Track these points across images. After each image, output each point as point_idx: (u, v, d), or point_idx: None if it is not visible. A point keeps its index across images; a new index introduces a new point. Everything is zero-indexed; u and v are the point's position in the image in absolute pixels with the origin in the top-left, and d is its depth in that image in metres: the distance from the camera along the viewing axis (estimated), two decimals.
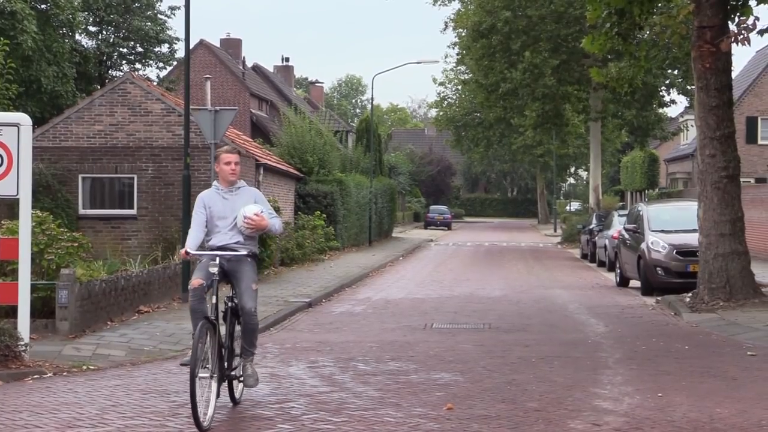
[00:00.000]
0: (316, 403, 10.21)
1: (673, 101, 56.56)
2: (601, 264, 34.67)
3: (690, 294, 20.53)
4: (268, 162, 32.95)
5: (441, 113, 79.46)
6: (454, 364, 13.00)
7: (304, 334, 16.78)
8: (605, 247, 33.29)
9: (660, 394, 10.58)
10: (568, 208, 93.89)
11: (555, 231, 71.12)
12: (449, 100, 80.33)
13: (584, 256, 41.11)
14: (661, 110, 55.47)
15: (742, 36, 19.18)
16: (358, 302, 22.55)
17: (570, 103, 50.63)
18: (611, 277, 29.16)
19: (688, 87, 46.95)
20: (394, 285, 27.69)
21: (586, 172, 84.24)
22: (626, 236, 26.18)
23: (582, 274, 32.29)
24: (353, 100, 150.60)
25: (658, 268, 23.59)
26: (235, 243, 9.98)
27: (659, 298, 21.90)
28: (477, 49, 49.95)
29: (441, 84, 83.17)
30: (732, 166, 20.01)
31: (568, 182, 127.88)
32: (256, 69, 77.26)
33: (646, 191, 65.90)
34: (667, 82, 50.17)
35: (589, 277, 30.85)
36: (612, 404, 10.14)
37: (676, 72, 48.13)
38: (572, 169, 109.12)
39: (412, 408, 9.94)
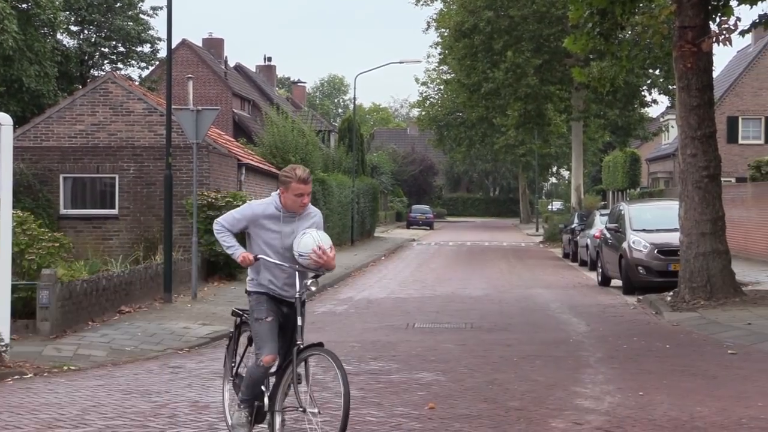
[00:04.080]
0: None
1: (654, 101, 56.68)
2: (583, 263, 34.73)
3: (671, 293, 20.60)
4: (251, 162, 32.91)
5: (423, 113, 79.48)
6: (436, 364, 13.01)
7: None
8: (587, 246, 33.35)
9: (641, 393, 10.62)
10: (550, 207, 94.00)
11: (537, 230, 71.21)
12: (431, 99, 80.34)
13: (566, 256, 41.18)
14: (642, 110, 55.59)
15: (723, 36, 19.23)
16: (340, 302, 22.55)
17: (552, 102, 50.71)
18: (593, 277, 29.22)
19: (670, 87, 47.06)
20: (376, 285, 27.70)
21: (568, 172, 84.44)
22: (608, 235, 26.24)
23: (564, 274, 32.35)
24: (336, 100, 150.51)
25: (639, 268, 23.65)
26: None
27: (640, 297, 21.95)
28: (459, 49, 49.97)
29: (423, 84, 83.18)
30: (713, 166, 20.07)
31: (550, 182, 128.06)
32: (239, 69, 77.11)
33: (628, 191, 66.02)
34: (649, 81, 50.26)
35: (570, 277, 30.91)
36: (593, 403, 10.17)
37: (657, 72, 48.21)
38: (554, 169, 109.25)
39: (394, 407, 9.95)
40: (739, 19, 19.56)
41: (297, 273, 7.98)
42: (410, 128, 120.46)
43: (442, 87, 76.18)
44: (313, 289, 8.07)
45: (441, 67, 67.93)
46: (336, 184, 44.24)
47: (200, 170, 24.96)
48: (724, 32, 19.21)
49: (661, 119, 69.18)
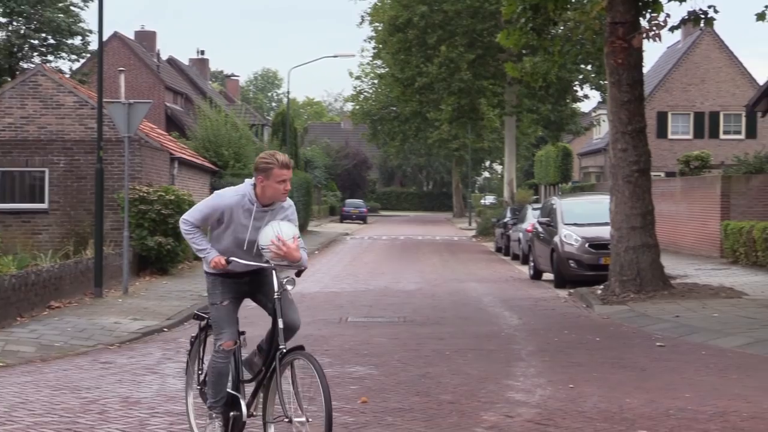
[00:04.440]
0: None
1: (586, 96, 57.14)
2: (515, 257, 34.97)
3: (602, 286, 20.83)
4: (183, 156, 32.67)
5: (357, 107, 79.43)
6: (369, 358, 13.02)
7: None
8: (519, 240, 33.58)
9: (571, 386, 10.71)
10: (483, 201, 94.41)
11: (470, 224, 71.50)
12: (365, 94, 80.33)
13: (498, 250, 41.42)
14: (574, 105, 56.09)
15: (653, 32, 19.49)
16: None
17: (485, 97, 50.95)
18: (525, 270, 29.42)
19: (601, 82, 47.52)
20: (309, 279, 27.63)
21: (501, 166, 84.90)
22: (540, 229, 26.43)
23: (496, 267, 32.54)
24: (269, 94, 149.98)
25: (570, 261, 23.86)
26: None
27: (572, 291, 22.15)
28: (393, 43, 50.07)
29: (357, 78, 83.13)
30: (643, 160, 20.31)
31: (483, 176, 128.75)
32: (171, 62, 76.52)
33: (560, 185, 66.55)
34: (581, 77, 50.74)
35: (503, 270, 31.10)
36: (524, 396, 10.24)
37: (589, 67, 48.69)
38: (487, 163, 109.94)
39: None
40: (668, 15, 19.77)
41: (273, 272, 7.48)
42: (344, 122, 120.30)
43: (376, 81, 76.20)
44: (290, 288, 7.48)
45: (375, 62, 68.00)
46: None
47: (132, 164, 24.74)
48: (654, 28, 19.47)
49: (593, 114, 69.85)
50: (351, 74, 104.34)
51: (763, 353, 13.14)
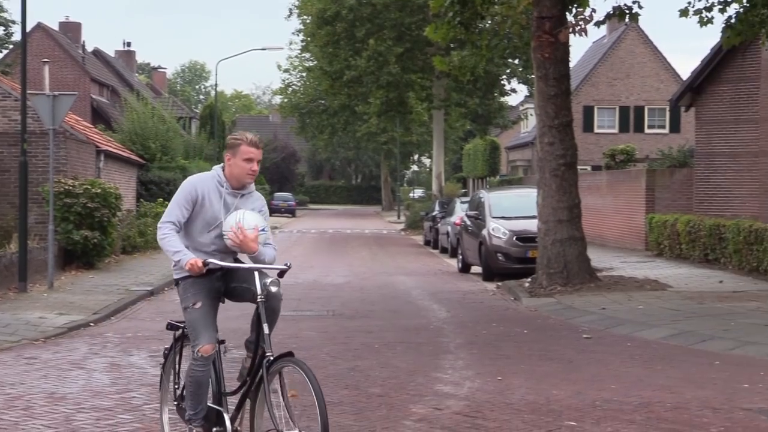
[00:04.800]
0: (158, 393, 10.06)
1: (513, 90, 57.96)
2: (444, 250, 35.10)
3: (529, 279, 21.00)
4: (109, 149, 32.30)
5: (285, 100, 79.23)
6: (298, 351, 12.90)
7: (146, 323, 16.55)
8: (448, 233, 33.72)
9: (499, 378, 10.79)
10: (411, 195, 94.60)
11: (399, 218, 71.67)
12: (294, 87, 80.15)
13: (427, 243, 41.56)
14: (502, 99, 56.49)
15: (579, 27, 19.72)
16: None
17: (414, 91, 51.09)
18: (453, 263, 29.56)
19: (529, 76, 47.91)
20: None
21: (430, 160, 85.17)
22: (468, 223, 26.56)
23: (425, 261, 32.65)
24: (197, 86, 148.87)
25: (498, 254, 24.01)
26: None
27: (500, 284, 22.30)
28: (321, 36, 49.98)
29: (286, 71, 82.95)
30: (570, 154, 20.51)
31: (412, 169, 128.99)
32: (97, 54, 75.54)
33: (488, 178, 66.98)
34: (509, 71, 51.10)
35: (431, 264, 31.21)
36: (453, 388, 10.29)
37: (517, 61, 49.05)
38: (416, 157, 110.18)
39: None
40: (594, 10, 20.03)
41: (257, 273, 7.03)
42: (272, 115, 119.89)
43: (304, 74, 76.10)
44: (274, 289, 7.00)
45: (303, 55, 67.88)
46: (197, 171, 43.73)
47: (57, 157, 24.38)
48: (581, 23, 19.70)
49: (521, 108, 70.38)
50: (279, 67, 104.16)
51: (686, 344, 13.35)
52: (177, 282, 7.21)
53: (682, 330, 14.32)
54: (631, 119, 59.57)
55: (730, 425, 8.62)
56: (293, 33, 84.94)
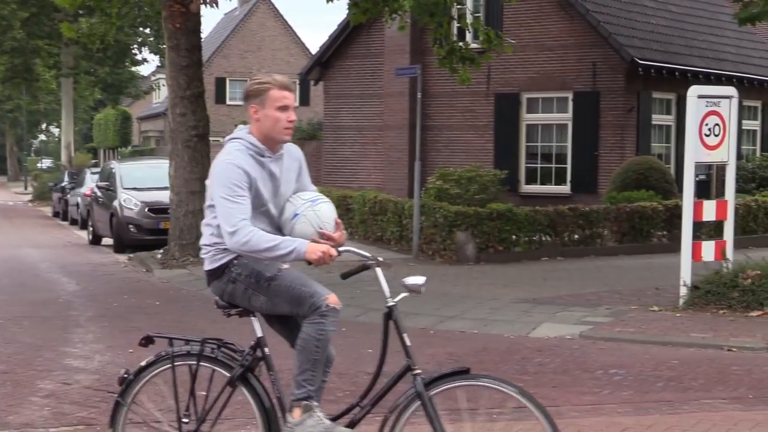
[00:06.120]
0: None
1: (145, 60, 57.27)
2: (74, 222, 34.32)
3: (162, 251, 20.92)
4: None
5: None
6: None
7: None
8: (78, 205, 32.99)
9: (131, 350, 10.72)
10: (39, 165, 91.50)
11: (26, 189, 69.23)
12: None
13: (56, 215, 40.47)
14: (133, 68, 55.73)
15: None
16: None
17: (41, 57, 49.52)
18: (84, 236, 28.93)
19: (160, 46, 47.41)
20: None
21: (59, 129, 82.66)
22: (99, 194, 26.10)
23: (54, 233, 31.76)
24: None
25: (130, 226, 23.76)
26: None
27: (132, 256, 22.08)
28: None
29: None
30: (201, 126, 20.57)
31: (40, 139, 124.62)
32: None
33: (119, 149, 65.90)
34: (140, 40, 50.41)
35: (61, 236, 30.41)
36: (83, 362, 10.15)
37: (148, 31, 48.45)
38: (44, 126, 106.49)
39: None
40: None
41: (379, 270, 5.44)
42: None
43: None
44: (422, 288, 5.33)
45: None
46: None
47: None
48: None
49: (153, 78, 69.62)
50: None
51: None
52: (222, 270, 5.59)
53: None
54: None
55: (355, 389, 9.01)
56: None
